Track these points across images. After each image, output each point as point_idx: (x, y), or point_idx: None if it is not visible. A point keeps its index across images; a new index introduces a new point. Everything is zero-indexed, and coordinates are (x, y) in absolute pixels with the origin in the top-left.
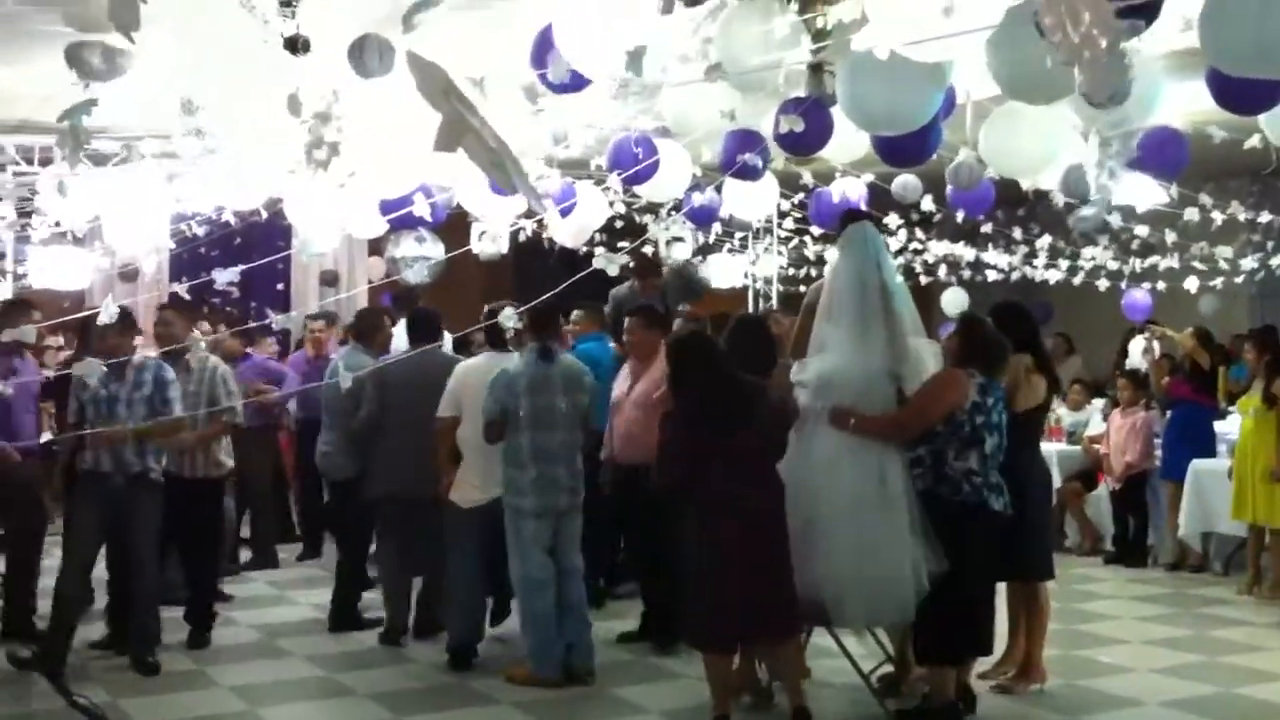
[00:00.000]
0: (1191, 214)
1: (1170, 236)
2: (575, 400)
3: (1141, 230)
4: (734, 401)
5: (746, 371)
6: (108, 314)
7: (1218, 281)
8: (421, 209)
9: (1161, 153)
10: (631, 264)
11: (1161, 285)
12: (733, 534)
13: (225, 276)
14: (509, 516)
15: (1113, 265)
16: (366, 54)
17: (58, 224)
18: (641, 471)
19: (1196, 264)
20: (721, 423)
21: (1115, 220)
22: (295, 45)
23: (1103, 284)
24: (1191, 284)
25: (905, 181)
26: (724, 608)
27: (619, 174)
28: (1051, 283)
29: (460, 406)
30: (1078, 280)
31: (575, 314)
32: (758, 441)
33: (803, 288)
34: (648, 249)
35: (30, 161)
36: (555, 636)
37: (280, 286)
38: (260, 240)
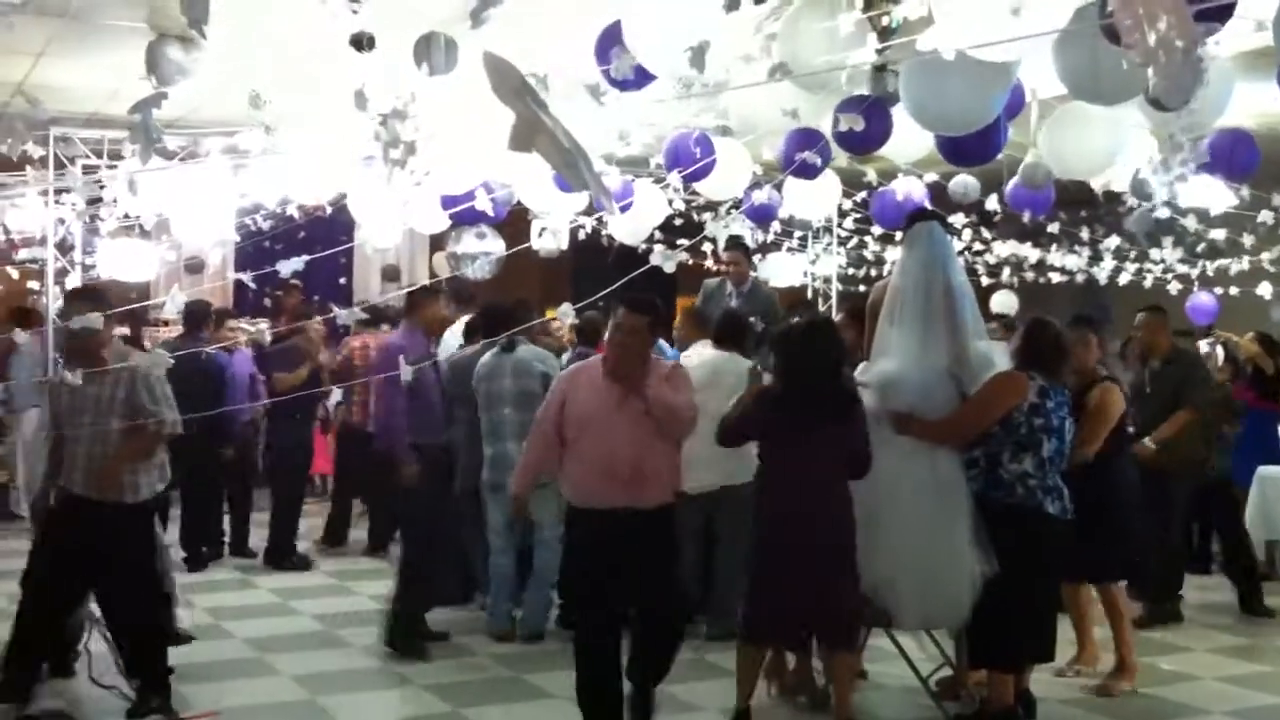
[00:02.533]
0: (1266, 216)
1: (1248, 240)
2: (523, 384)
3: (1214, 234)
4: (820, 397)
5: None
6: (174, 305)
7: None
8: (483, 204)
9: (1233, 155)
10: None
11: (1235, 290)
12: (795, 536)
13: (289, 267)
14: (482, 490)
15: (1181, 269)
16: (431, 51)
17: (125, 216)
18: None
19: (1266, 265)
20: (806, 415)
21: (1190, 223)
22: (360, 42)
23: (1174, 287)
24: (1265, 289)
25: (964, 181)
26: (779, 606)
27: (679, 172)
28: (1121, 284)
29: None
30: (1148, 284)
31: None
32: (835, 445)
33: (862, 287)
34: (705, 247)
35: (99, 155)
36: (505, 597)
37: (342, 280)
38: (324, 234)
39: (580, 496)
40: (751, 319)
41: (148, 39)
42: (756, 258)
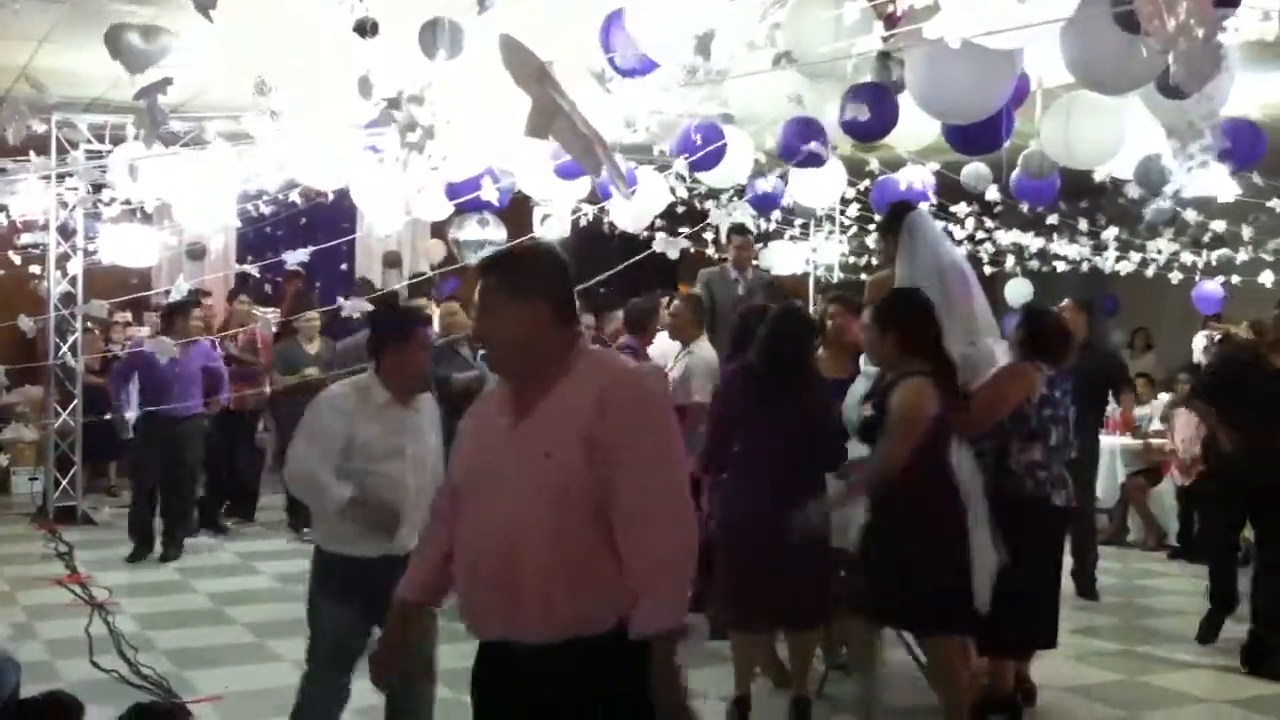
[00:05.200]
0: (1275, 204)
1: (1246, 231)
2: None
3: (1215, 224)
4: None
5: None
6: (179, 292)
7: None
8: (489, 194)
9: (1245, 143)
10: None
11: (1237, 279)
12: (762, 520)
13: (295, 257)
14: None
15: (1186, 259)
16: (437, 37)
17: (127, 202)
18: None
19: (1264, 256)
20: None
21: (1192, 215)
22: (364, 29)
23: (1175, 276)
24: (1267, 278)
25: (976, 170)
26: (751, 588)
27: (686, 158)
28: (1123, 275)
29: None
30: (1150, 272)
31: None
32: (803, 426)
33: (864, 276)
34: (706, 235)
35: (101, 140)
36: None
37: (344, 267)
38: (326, 220)
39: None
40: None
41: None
42: (758, 246)
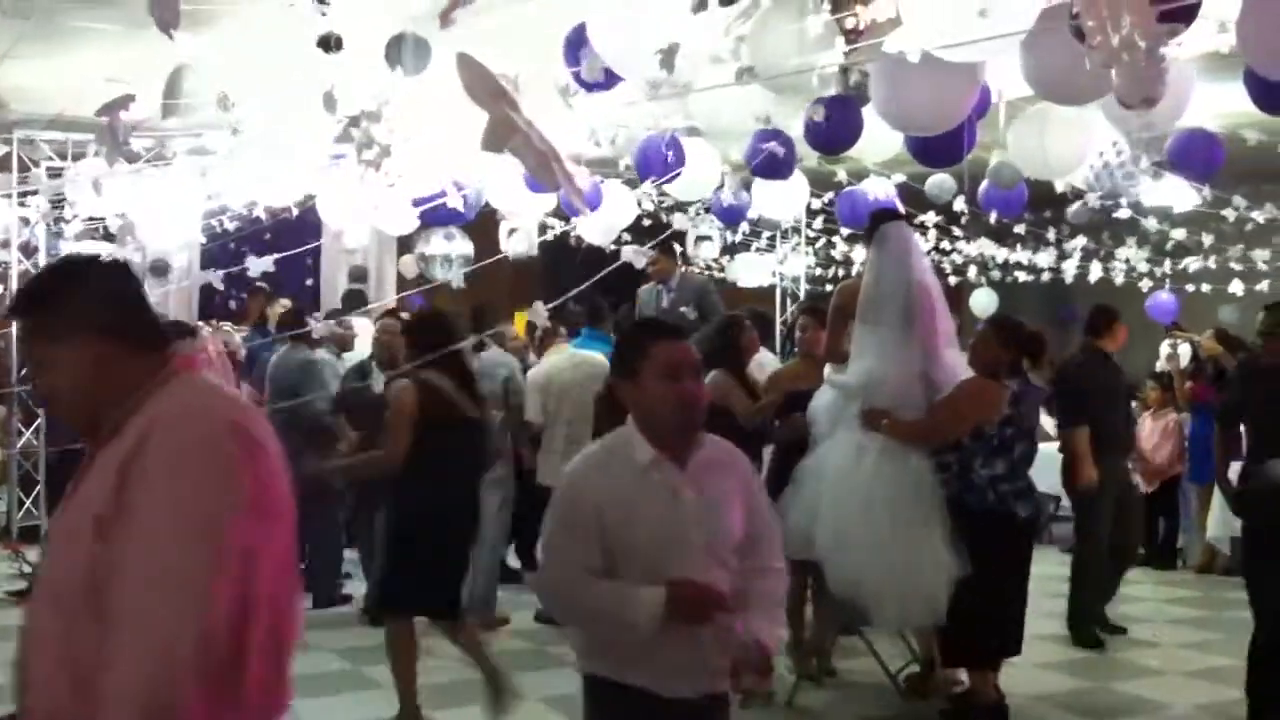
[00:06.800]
0: (1229, 214)
1: (1207, 239)
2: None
3: (1177, 233)
4: None
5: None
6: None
7: (1264, 284)
8: (455, 201)
9: (1191, 154)
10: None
11: (1207, 287)
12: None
13: (259, 265)
14: None
15: (1144, 268)
16: (402, 52)
17: (90, 219)
18: None
19: (1234, 264)
20: None
21: (1151, 223)
22: (328, 44)
23: (1145, 284)
24: (1237, 287)
25: (940, 182)
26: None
27: (653, 182)
28: (1087, 283)
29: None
30: (1119, 282)
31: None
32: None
33: (829, 287)
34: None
35: (63, 157)
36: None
37: (310, 282)
38: (291, 236)
39: None
40: (683, 309)
41: (113, 40)
42: (725, 258)
